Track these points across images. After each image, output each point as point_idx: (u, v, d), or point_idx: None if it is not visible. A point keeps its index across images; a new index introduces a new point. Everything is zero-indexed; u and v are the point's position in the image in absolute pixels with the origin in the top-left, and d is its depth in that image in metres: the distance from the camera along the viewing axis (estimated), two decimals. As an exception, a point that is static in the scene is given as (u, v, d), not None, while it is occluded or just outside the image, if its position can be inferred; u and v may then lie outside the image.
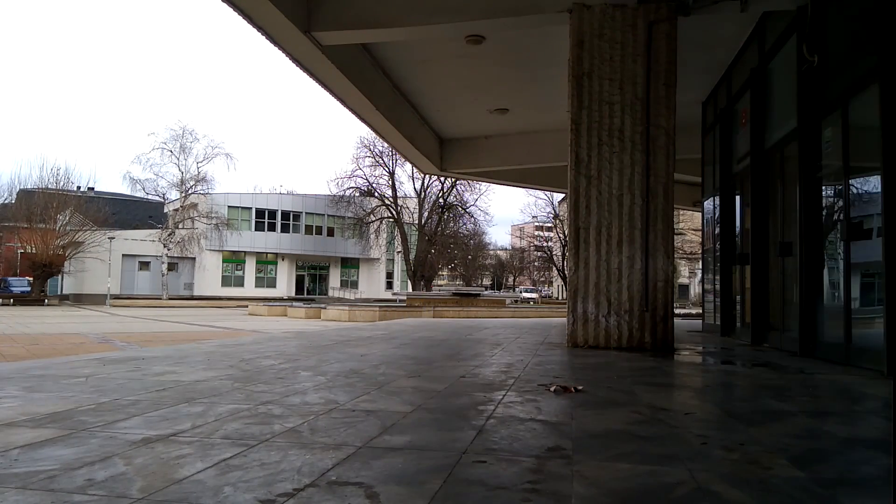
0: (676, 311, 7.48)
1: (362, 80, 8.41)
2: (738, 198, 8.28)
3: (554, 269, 53.19)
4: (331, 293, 47.68)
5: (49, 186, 39.52)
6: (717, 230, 8.98)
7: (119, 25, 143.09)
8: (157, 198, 44.07)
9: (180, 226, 41.54)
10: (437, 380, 3.72)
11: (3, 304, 32.94)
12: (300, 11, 6.47)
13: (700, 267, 18.49)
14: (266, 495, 1.59)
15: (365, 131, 43.97)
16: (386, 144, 22.86)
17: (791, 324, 6.08)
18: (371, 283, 49.92)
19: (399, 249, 43.56)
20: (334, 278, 50.04)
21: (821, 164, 5.56)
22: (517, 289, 61.79)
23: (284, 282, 46.69)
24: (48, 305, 34.85)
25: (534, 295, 52.90)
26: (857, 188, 5.04)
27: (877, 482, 1.84)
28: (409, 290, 38.71)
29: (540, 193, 43.03)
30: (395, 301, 32.04)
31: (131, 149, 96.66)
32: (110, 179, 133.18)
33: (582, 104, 6.01)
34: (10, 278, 38.83)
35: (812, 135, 5.59)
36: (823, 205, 5.62)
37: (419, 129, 11.71)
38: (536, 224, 55.46)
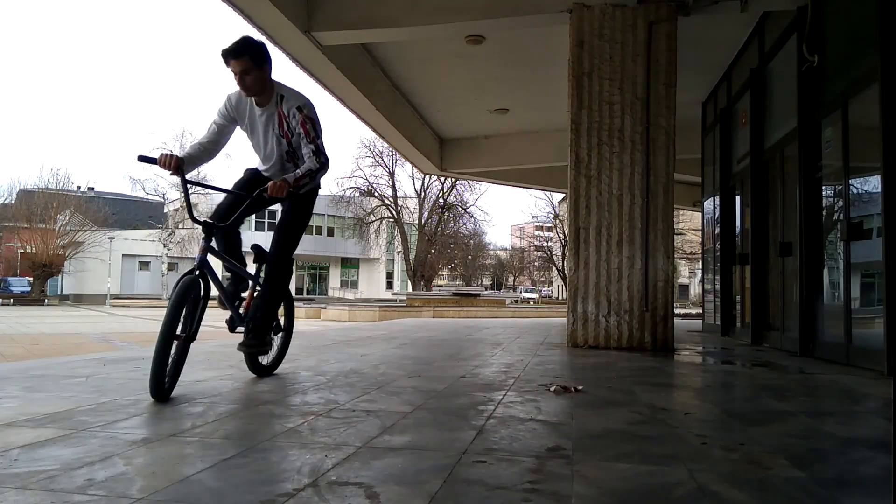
0: (676, 311, 7.48)
1: (362, 80, 8.41)
2: (738, 198, 8.28)
3: (554, 269, 53.16)
4: (331, 293, 47.65)
5: (49, 186, 39.57)
6: (717, 230, 8.98)
7: (119, 24, 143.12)
8: (157, 198, 44.15)
9: (180, 226, 41.54)
10: (437, 380, 3.72)
11: (3, 304, 32.93)
12: (300, 11, 6.48)
13: (700, 267, 18.48)
14: (266, 495, 1.59)
15: (365, 131, 44.00)
16: (386, 144, 22.85)
17: (791, 324, 6.08)
18: (371, 284, 49.89)
19: (399, 249, 43.57)
20: (334, 278, 50.02)
21: (821, 164, 5.56)
22: (518, 289, 61.77)
23: (284, 282, 46.57)
24: (48, 305, 34.86)
25: (534, 295, 52.93)
26: (857, 188, 5.04)
27: (877, 482, 1.84)
28: (409, 290, 38.71)
29: (540, 193, 43.02)
30: (395, 301, 32.04)
31: (132, 149, 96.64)
32: (110, 179, 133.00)
33: (582, 104, 6.01)
34: (10, 278, 38.88)
35: (812, 135, 5.60)
36: (823, 205, 5.63)
37: (419, 129, 11.70)
38: (536, 224, 55.45)
